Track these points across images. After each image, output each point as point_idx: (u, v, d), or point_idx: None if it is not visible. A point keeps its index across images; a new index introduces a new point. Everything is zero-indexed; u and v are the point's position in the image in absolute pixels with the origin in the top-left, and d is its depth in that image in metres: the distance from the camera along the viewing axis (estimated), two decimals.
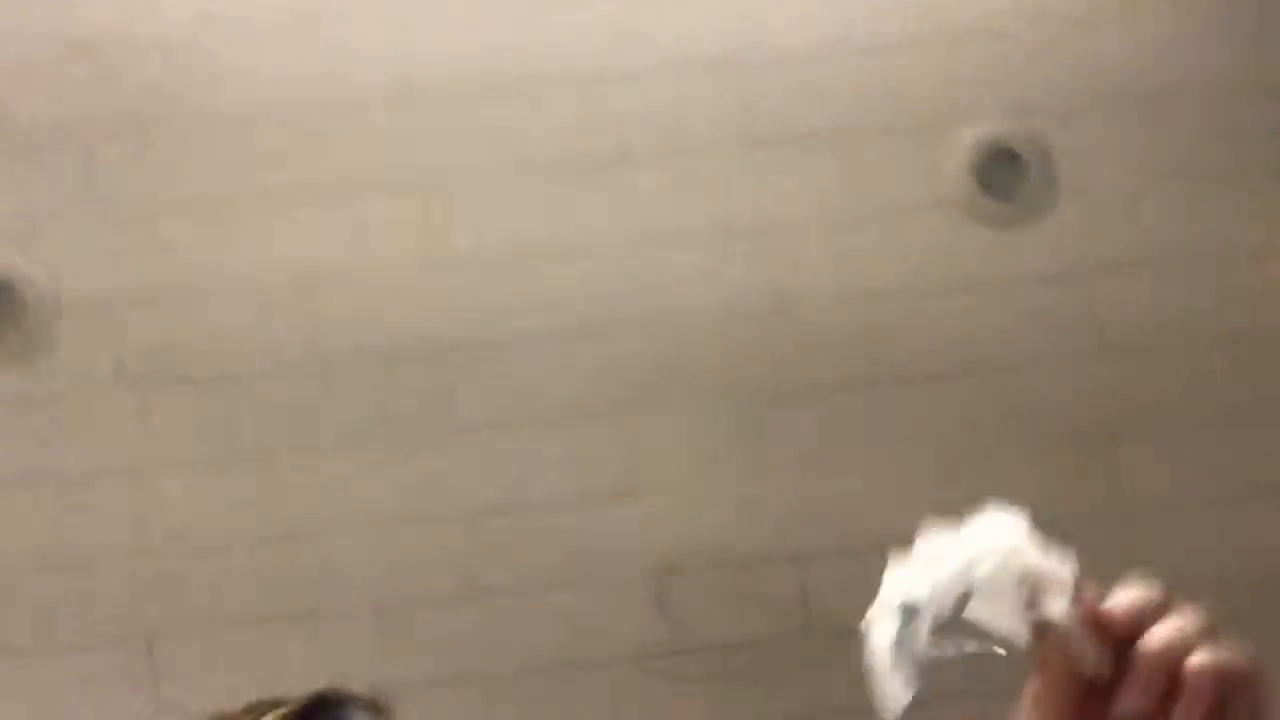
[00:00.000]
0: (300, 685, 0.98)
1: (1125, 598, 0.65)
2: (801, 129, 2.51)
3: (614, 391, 2.48)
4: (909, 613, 0.66)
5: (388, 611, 2.46)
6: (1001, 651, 0.66)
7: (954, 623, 0.66)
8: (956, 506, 2.58)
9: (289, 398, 2.46)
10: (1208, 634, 0.63)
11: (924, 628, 0.65)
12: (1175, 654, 0.62)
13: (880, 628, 0.66)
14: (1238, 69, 2.53)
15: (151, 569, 2.44)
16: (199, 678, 2.43)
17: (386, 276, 2.48)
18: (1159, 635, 0.63)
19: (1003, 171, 2.52)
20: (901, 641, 0.65)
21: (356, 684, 0.99)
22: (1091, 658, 0.64)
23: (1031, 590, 0.64)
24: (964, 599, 0.65)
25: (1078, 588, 0.65)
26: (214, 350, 2.46)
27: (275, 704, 0.92)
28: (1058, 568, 0.65)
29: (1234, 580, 2.47)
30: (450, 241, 2.49)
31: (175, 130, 2.48)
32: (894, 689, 0.65)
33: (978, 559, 0.66)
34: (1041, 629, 0.64)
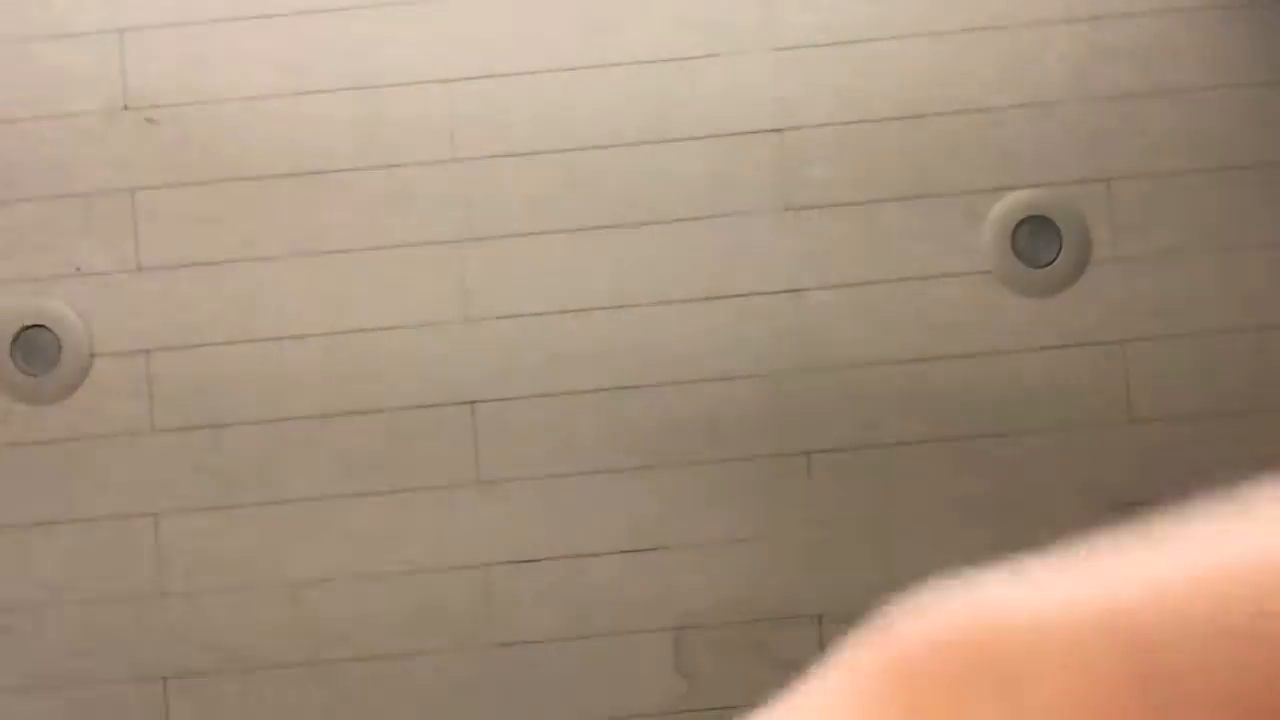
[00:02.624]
0: None
1: None
2: (836, 196, 2.52)
3: (637, 449, 2.48)
4: None
5: (404, 661, 2.46)
6: None
7: None
8: (981, 569, 2.57)
9: (316, 447, 2.47)
10: None
11: None
12: None
13: None
14: (1274, 145, 2.53)
15: (173, 611, 2.45)
16: None
17: (417, 331, 2.50)
18: None
19: (1036, 239, 2.53)
20: None
21: None
22: None
23: None
24: None
25: None
26: (243, 399, 2.48)
27: None
28: None
29: None
30: (482, 297, 2.50)
31: (217, 186, 2.51)
32: None
33: None
34: None
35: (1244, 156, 2.52)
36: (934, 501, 2.48)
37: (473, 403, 2.49)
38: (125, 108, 2.51)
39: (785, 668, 2.45)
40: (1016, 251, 2.52)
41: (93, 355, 2.49)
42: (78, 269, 2.50)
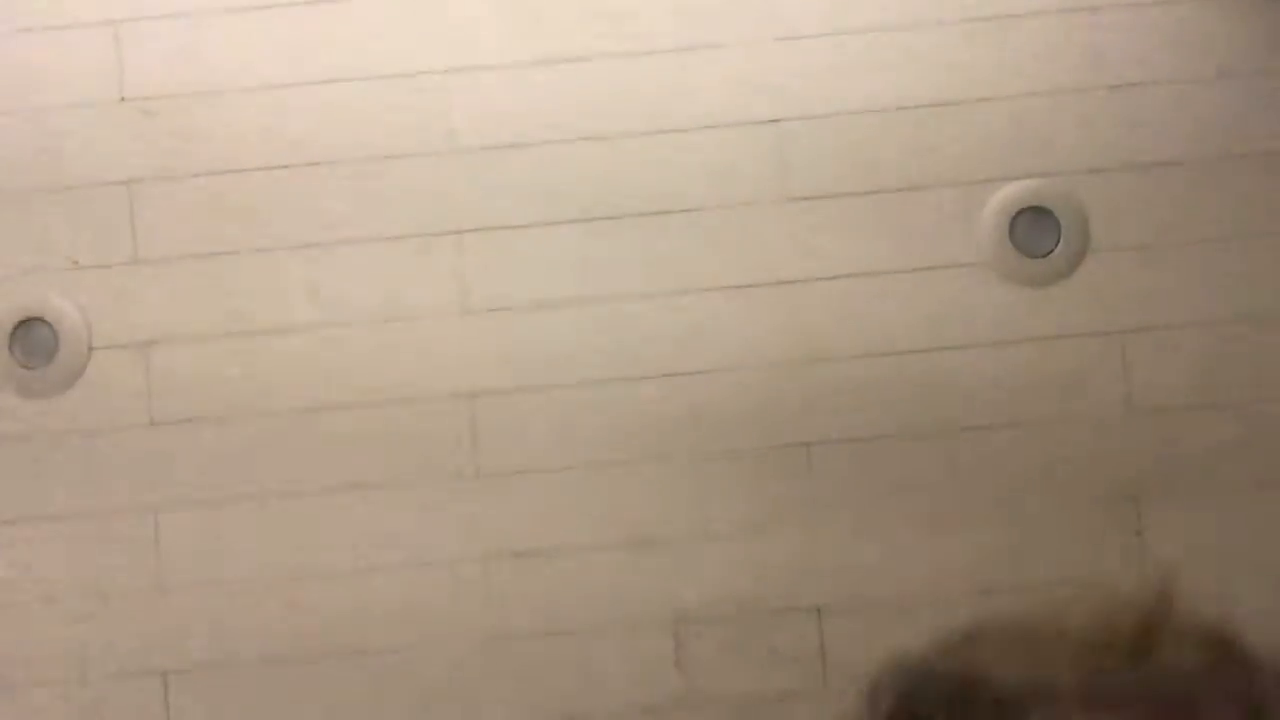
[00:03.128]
0: None
1: None
2: (836, 186, 2.51)
3: (636, 442, 2.48)
4: None
5: (403, 656, 2.45)
6: None
7: None
8: (980, 561, 2.58)
9: (315, 440, 2.47)
10: None
11: None
12: None
13: None
14: (1272, 134, 2.53)
15: (172, 606, 2.45)
16: (211, 717, 2.43)
17: (416, 323, 2.49)
18: None
19: (1035, 229, 2.52)
20: None
21: None
22: None
23: None
24: None
25: None
26: (242, 392, 2.47)
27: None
28: None
29: (1261, 648, 2.45)
30: (481, 289, 2.50)
31: (214, 177, 2.50)
32: None
33: None
34: None
35: (1243, 146, 2.52)
36: (933, 493, 2.47)
37: (471, 395, 2.48)
38: (122, 100, 2.51)
39: (785, 660, 2.45)
40: (1015, 242, 2.52)
41: (91, 348, 2.48)
42: (75, 262, 2.49)
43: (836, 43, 2.53)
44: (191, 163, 2.50)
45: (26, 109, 2.50)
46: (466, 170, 2.50)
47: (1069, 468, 2.48)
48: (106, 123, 2.50)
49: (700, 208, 2.51)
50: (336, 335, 2.48)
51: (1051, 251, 2.52)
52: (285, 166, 2.50)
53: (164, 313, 2.48)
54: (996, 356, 2.50)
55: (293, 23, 2.52)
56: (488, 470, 2.47)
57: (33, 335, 2.48)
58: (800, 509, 2.47)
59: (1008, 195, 2.52)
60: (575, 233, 2.50)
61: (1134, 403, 2.49)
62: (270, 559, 2.45)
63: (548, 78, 2.51)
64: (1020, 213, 2.52)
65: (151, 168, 2.50)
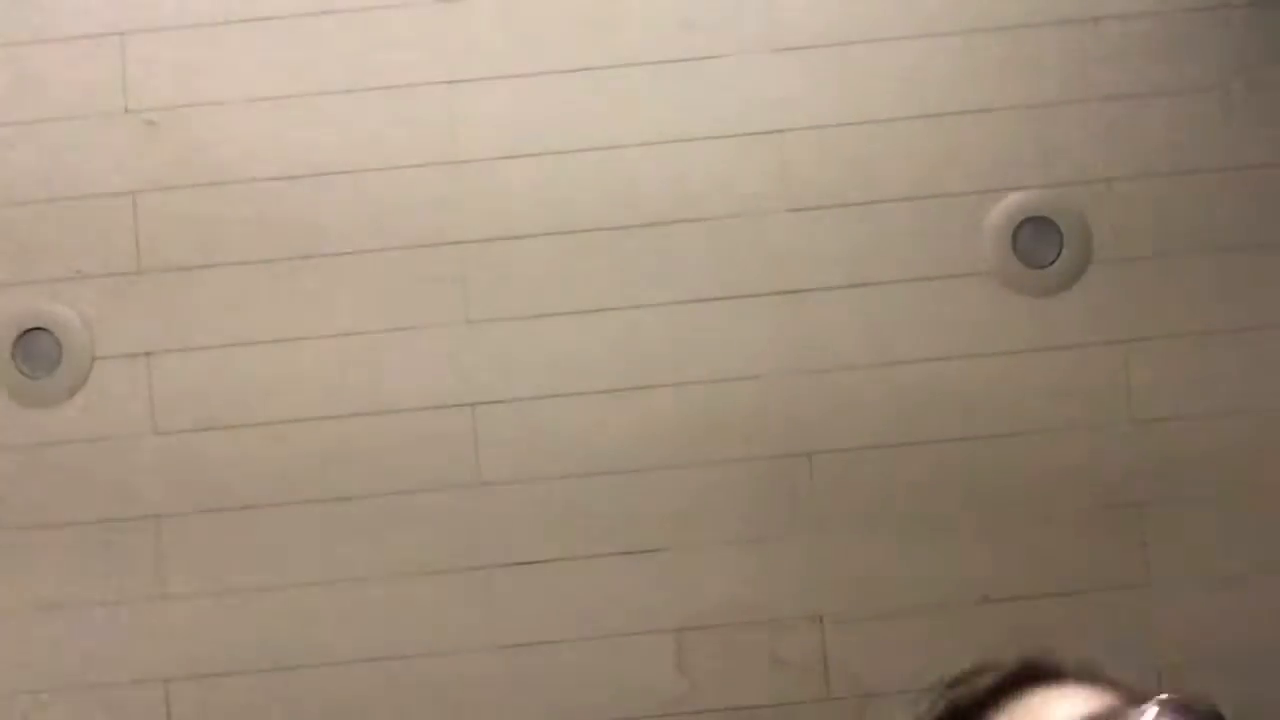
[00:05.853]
0: None
1: None
2: (839, 197, 2.51)
3: (640, 451, 2.48)
4: None
5: (405, 663, 2.45)
6: None
7: None
8: (982, 572, 2.57)
9: (317, 449, 2.47)
10: None
11: None
12: None
13: None
14: (1273, 145, 2.53)
15: (174, 614, 2.45)
16: None
17: (419, 333, 2.49)
18: None
19: (1037, 239, 2.52)
20: None
21: None
22: None
23: None
24: None
25: None
26: (244, 401, 2.48)
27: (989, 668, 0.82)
28: None
29: (1264, 653, 2.44)
30: (484, 299, 2.50)
31: (217, 188, 2.50)
32: None
33: None
34: None
35: (1243, 156, 2.52)
36: (935, 502, 2.47)
37: (473, 405, 2.48)
38: (126, 110, 2.51)
39: (787, 669, 2.45)
40: (1017, 252, 2.52)
41: (94, 358, 2.49)
42: (79, 271, 2.50)
43: (837, 54, 2.53)
44: (195, 174, 2.50)
45: (31, 119, 2.51)
46: (469, 181, 2.51)
47: (1071, 477, 2.48)
48: (111, 133, 2.51)
49: (703, 218, 2.51)
50: (338, 345, 2.48)
51: (1054, 261, 2.53)
52: (288, 178, 2.50)
53: (167, 322, 2.49)
54: (998, 366, 2.50)
55: (295, 35, 2.52)
56: (490, 479, 2.47)
57: (36, 344, 2.49)
58: (802, 518, 2.47)
59: (1010, 205, 2.52)
60: (577, 243, 2.50)
61: (1136, 412, 2.49)
62: (272, 567, 2.45)
63: (550, 89, 2.52)
64: (1023, 223, 2.52)
65: (155, 178, 2.50)
